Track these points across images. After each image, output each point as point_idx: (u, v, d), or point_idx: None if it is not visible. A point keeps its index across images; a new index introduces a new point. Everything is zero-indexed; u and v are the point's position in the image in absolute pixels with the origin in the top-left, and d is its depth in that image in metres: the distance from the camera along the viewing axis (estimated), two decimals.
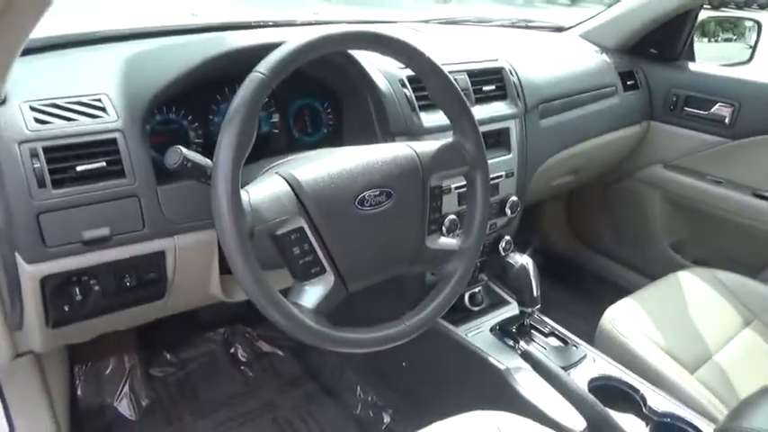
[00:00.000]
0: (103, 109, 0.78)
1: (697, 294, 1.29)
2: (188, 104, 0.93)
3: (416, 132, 1.03)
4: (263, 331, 1.62)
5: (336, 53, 0.93)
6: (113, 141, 0.77)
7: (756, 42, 1.72)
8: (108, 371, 1.43)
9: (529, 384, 1.03)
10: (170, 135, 0.92)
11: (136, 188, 0.78)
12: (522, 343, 1.11)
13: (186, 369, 1.55)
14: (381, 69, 1.03)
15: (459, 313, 1.23)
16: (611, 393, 1.02)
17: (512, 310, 1.24)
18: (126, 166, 0.78)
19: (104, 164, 0.75)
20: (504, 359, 1.09)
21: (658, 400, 1.00)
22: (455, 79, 0.84)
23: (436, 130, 1.04)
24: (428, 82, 0.82)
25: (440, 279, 0.83)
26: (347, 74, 1.00)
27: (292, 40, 0.69)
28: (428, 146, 0.82)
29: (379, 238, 0.76)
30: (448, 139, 0.85)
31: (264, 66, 0.66)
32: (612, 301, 1.23)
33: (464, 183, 0.87)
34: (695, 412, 0.99)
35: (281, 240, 0.69)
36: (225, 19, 1.25)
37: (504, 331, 1.17)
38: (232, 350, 1.60)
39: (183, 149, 0.67)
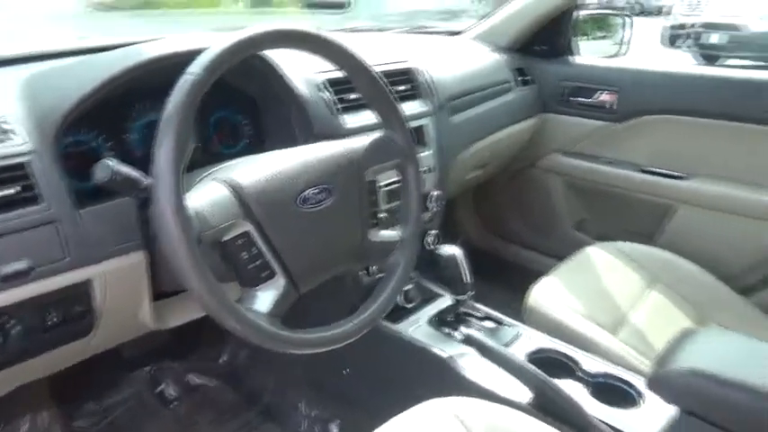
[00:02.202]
0: (10, 132, 0.72)
1: (605, 266, 1.40)
2: (100, 123, 0.88)
3: (340, 134, 1.04)
4: (192, 363, 1.54)
5: (259, 53, 0.92)
6: (24, 166, 0.71)
7: (627, 36, 1.91)
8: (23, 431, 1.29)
9: (473, 367, 1.06)
10: (83, 156, 0.86)
11: (53, 214, 0.72)
12: (461, 329, 1.15)
13: (112, 416, 1.43)
14: (300, 74, 1.03)
15: (395, 312, 1.25)
16: (548, 364, 1.08)
17: (446, 301, 1.27)
18: (40, 190, 0.72)
19: (18, 189, 0.69)
20: (446, 348, 1.12)
21: (590, 363, 1.08)
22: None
23: (359, 131, 1.05)
24: (357, 80, 0.84)
25: (386, 271, 0.84)
26: (267, 80, 0.99)
27: (222, 40, 0.68)
28: (361, 141, 0.83)
29: (324, 236, 0.76)
30: (379, 134, 0.87)
31: (198, 66, 0.65)
32: (526, 286, 1.30)
33: (395, 179, 0.90)
34: (623, 368, 1.07)
35: (227, 247, 0.67)
36: (120, 40, 1.20)
37: (442, 321, 1.20)
38: (159, 388, 1.51)
39: (112, 162, 0.64)
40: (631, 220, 1.72)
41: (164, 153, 0.61)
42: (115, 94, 0.83)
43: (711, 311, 1.30)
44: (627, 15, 1.95)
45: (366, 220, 0.82)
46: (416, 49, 1.48)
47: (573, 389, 1.01)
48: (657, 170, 1.63)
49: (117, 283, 0.81)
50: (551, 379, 1.01)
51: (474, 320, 1.19)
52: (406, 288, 1.31)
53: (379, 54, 1.32)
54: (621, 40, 1.94)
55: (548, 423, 0.87)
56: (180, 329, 0.97)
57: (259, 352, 1.55)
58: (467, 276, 1.16)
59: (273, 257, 0.70)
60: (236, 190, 0.69)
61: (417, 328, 1.19)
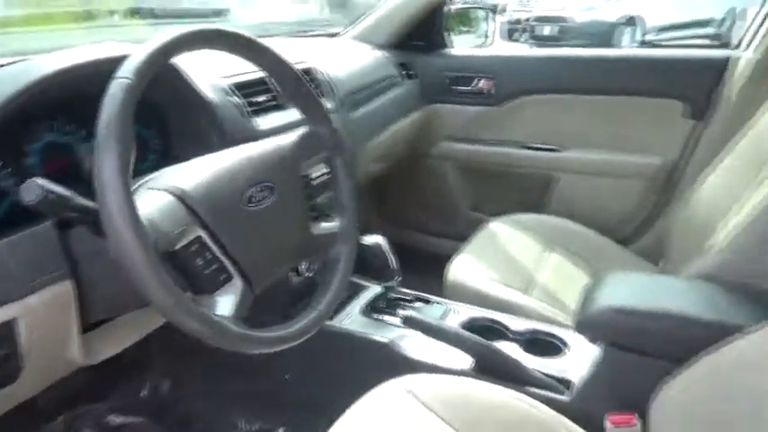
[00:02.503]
0: None
1: (507, 237, 1.52)
2: None
3: (255, 137, 1.02)
4: (110, 402, 1.42)
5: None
6: None
7: (491, 29, 2.08)
8: None
9: (415, 346, 1.11)
10: None
11: None
12: (398, 312, 1.19)
13: None
14: (206, 80, 1.01)
15: None
16: (480, 330, 1.16)
17: (373, 290, 1.31)
18: None
19: None
20: (385, 333, 1.15)
21: (516, 323, 1.17)
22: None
23: (273, 132, 1.05)
24: (278, 76, 0.84)
25: (330, 263, 0.86)
26: (174, 87, 0.96)
27: (146, 44, 0.65)
28: (289, 138, 0.84)
29: (272, 234, 0.76)
30: (305, 129, 0.87)
31: (127, 71, 0.61)
32: (437, 269, 1.38)
33: (324, 170, 0.91)
34: (546, 323, 1.18)
35: (181, 255, 0.65)
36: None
37: (374, 309, 1.24)
38: None
39: (40, 180, 0.59)
40: (521, 193, 1.87)
41: (107, 159, 0.57)
42: (11, 114, 0.76)
43: (601, 262, 1.46)
44: (490, 9, 2.13)
45: (306, 213, 0.83)
46: (307, 51, 1.50)
47: (507, 348, 1.09)
48: (537, 145, 1.80)
49: (44, 318, 0.74)
50: (488, 342, 1.09)
51: (405, 303, 1.24)
52: None
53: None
54: (486, 33, 2.11)
55: (492, 383, 0.94)
56: (94, 368, 0.90)
57: (184, 378, 1.48)
58: (393, 263, 1.20)
59: (228, 260, 0.69)
60: (181, 196, 0.67)
61: (352, 320, 1.21)
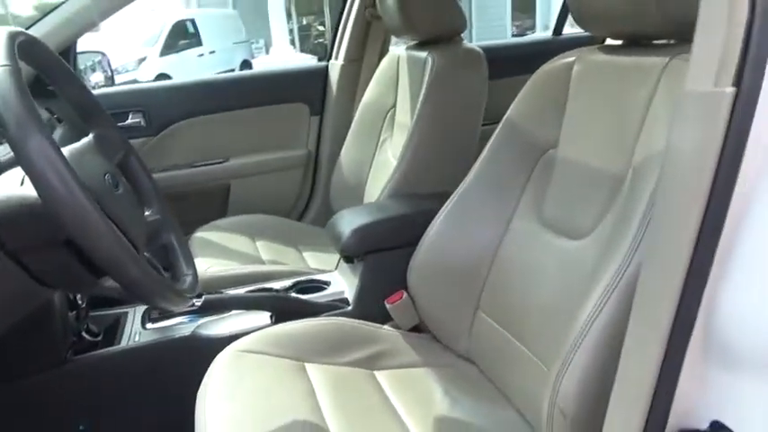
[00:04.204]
0: None
1: (221, 240, 1.72)
2: None
3: None
4: None
5: None
6: None
7: (109, 69, 2.14)
8: None
9: (217, 324, 1.22)
10: None
11: None
12: (174, 313, 1.25)
13: None
14: None
15: (91, 348, 1.20)
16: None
17: (133, 309, 1.31)
18: None
19: None
20: (184, 328, 1.21)
21: (278, 284, 1.39)
22: None
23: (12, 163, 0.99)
24: (60, 84, 0.85)
25: (168, 251, 0.92)
26: None
27: None
28: (85, 143, 0.85)
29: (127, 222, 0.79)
30: (89, 137, 0.90)
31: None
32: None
33: None
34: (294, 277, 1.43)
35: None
36: None
37: (151, 320, 1.26)
38: None
39: None
40: (209, 205, 2.03)
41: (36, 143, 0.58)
42: None
43: (294, 236, 1.81)
44: (102, 53, 2.17)
45: (136, 204, 0.88)
46: None
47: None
48: (202, 163, 2.00)
49: None
50: (278, 293, 1.29)
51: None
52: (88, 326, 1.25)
53: None
54: (107, 75, 2.16)
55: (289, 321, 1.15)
56: None
57: None
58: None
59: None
60: None
61: (140, 335, 1.21)
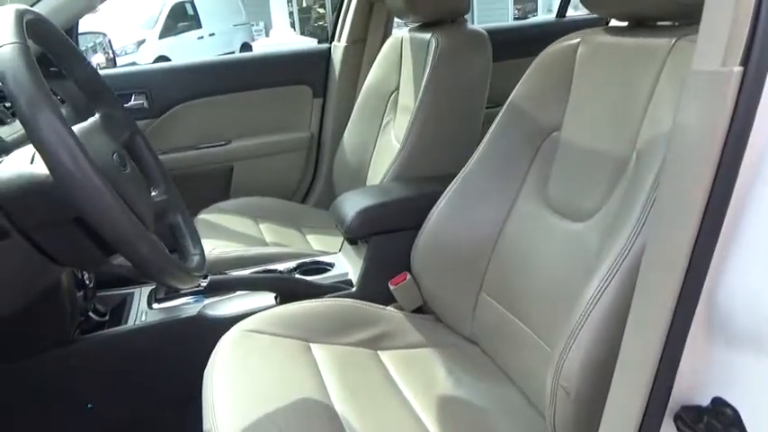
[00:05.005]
0: None
1: (224, 222, 1.72)
2: None
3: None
4: None
5: None
6: None
7: (111, 51, 2.13)
8: None
9: (222, 305, 1.23)
10: None
11: None
12: (181, 294, 1.26)
13: None
14: None
15: (98, 327, 1.21)
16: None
17: (139, 290, 1.32)
18: None
19: None
20: (190, 308, 1.23)
21: (283, 266, 1.41)
22: None
23: (21, 142, 0.99)
24: (67, 63, 0.85)
25: (174, 228, 0.93)
26: None
27: None
28: (92, 122, 0.86)
29: (137, 200, 0.80)
30: (96, 117, 0.90)
31: (6, 36, 0.61)
32: None
33: None
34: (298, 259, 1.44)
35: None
36: None
37: (157, 300, 1.27)
38: None
39: None
40: (212, 187, 2.04)
41: (40, 105, 0.59)
42: None
43: (299, 220, 1.82)
44: (103, 34, 2.16)
45: (143, 184, 0.89)
46: None
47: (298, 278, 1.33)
48: (205, 145, 2.00)
49: None
50: (283, 274, 1.31)
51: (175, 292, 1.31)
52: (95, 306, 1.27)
53: None
54: (108, 57, 2.15)
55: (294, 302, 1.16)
56: None
57: None
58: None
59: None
60: None
61: (146, 315, 1.22)
